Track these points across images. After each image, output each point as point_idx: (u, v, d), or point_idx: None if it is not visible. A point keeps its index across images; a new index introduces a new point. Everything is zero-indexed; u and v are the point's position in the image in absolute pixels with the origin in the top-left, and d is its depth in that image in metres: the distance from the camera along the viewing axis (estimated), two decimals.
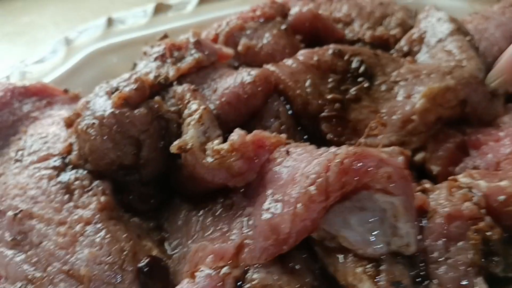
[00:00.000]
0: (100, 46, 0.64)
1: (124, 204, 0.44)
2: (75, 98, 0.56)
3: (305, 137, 0.49)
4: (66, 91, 0.57)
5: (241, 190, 0.41)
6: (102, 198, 0.42)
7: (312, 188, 0.33)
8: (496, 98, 0.49)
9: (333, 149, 0.35)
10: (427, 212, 0.36)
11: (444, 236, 0.34)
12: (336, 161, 0.33)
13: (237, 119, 0.48)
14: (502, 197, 0.35)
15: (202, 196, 0.42)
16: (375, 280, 0.32)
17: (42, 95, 0.55)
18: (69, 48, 0.64)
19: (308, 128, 0.49)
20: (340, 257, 0.34)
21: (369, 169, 0.32)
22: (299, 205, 0.33)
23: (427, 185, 0.39)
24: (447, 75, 0.46)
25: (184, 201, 0.44)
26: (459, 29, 0.53)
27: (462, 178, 0.38)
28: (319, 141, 0.49)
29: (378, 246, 0.33)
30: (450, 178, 0.39)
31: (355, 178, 0.32)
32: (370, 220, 0.33)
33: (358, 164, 0.32)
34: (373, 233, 0.33)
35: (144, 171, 0.44)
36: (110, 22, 0.68)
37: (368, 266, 0.32)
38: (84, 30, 0.67)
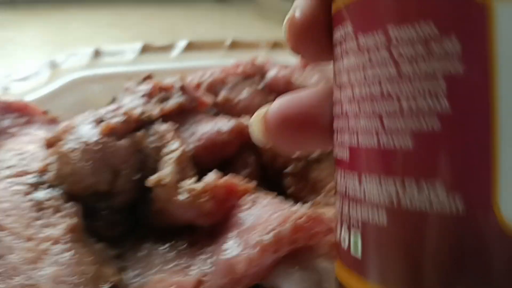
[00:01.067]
0: (84, 74, 0.67)
1: (91, 229, 0.46)
2: (54, 121, 0.58)
3: (269, 188, 0.54)
4: (45, 112, 0.59)
5: (207, 229, 0.44)
6: (72, 220, 0.44)
7: (267, 237, 0.37)
8: None
9: (294, 206, 0.40)
10: None
11: None
12: (293, 218, 0.37)
13: (211, 163, 0.52)
14: None
15: (168, 230, 0.45)
16: None
17: (22, 113, 0.57)
18: (54, 72, 0.66)
19: (273, 180, 0.54)
20: None
21: (317, 233, 0.37)
22: (255, 250, 0.37)
23: None
24: None
25: (149, 233, 0.46)
26: None
27: None
28: (282, 193, 0.53)
29: None
30: None
31: (304, 238, 0.37)
32: (309, 280, 0.37)
33: (310, 226, 0.37)
34: None
35: (116, 200, 0.46)
36: (97, 53, 0.72)
37: None
38: (71, 56, 0.70)
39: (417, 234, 0.17)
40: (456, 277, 0.16)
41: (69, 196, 0.46)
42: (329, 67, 0.83)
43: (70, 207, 0.45)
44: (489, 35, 0.16)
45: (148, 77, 0.68)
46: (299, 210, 0.39)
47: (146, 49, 0.75)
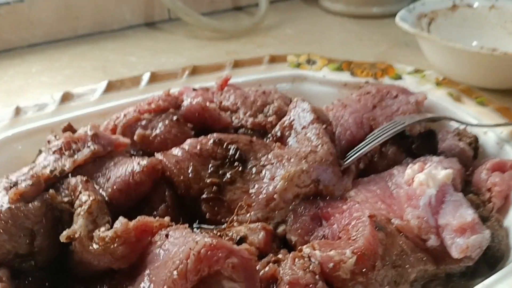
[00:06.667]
0: (6, 135, 0.69)
1: None
2: None
3: (189, 216, 0.57)
4: None
5: (127, 271, 0.47)
6: (0, 285, 0.46)
7: (175, 272, 0.40)
8: (346, 175, 0.60)
9: (198, 237, 0.43)
10: (277, 280, 0.45)
11: None
12: (195, 250, 0.41)
13: (128, 203, 0.55)
14: (331, 265, 0.44)
15: (92, 277, 0.48)
16: None
17: None
18: None
19: (192, 208, 0.57)
20: None
21: (219, 259, 0.40)
22: (165, 287, 0.40)
23: (281, 255, 0.48)
24: (303, 159, 0.57)
25: (76, 283, 0.49)
26: (318, 118, 0.65)
27: (305, 249, 0.47)
28: (201, 219, 0.57)
29: None
30: (298, 248, 0.48)
31: (208, 266, 0.40)
32: None
33: (211, 254, 0.40)
34: None
35: (39, 258, 0.49)
36: (17, 111, 0.74)
37: None
38: None
39: None
40: None
41: None
42: (245, 88, 0.86)
43: None
44: None
45: (67, 127, 0.70)
46: (200, 241, 0.42)
47: (66, 98, 0.77)
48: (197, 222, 0.57)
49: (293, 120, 0.67)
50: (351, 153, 0.62)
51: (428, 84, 0.79)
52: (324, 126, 0.64)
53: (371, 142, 0.61)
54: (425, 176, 0.52)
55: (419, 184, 0.52)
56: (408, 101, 0.70)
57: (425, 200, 0.50)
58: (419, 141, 0.63)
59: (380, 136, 0.61)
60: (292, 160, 0.57)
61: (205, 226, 0.56)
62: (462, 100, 0.76)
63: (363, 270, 0.44)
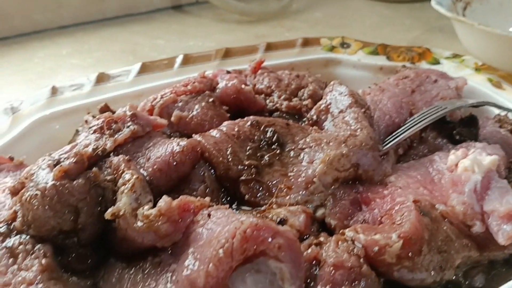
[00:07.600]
0: (43, 114, 0.70)
1: (64, 265, 0.49)
2: (20, 166, 0.61)
3: (228, 198, 0.57)
4: (11, 158, 0.62)
5: (169, 249, 0.47)
6: (44, 261, 0.47)
7: (221, 251, 0.40)
8: (385, 160, 0.59)
9: (242, 217, 0.43)
10: (319, 262, 0.45)
11: (330, 282, 0.42)
12: (240, 230, 0.41)
13: (168, 183, 0.55)
14: (376, 248, 0.44)
15: (134, 255, 0.48)
16: None
17: None
18: (14, 117, 0.69)
19: (230, 190, 0.57)
20: None
21: (265, 239, 0.40)
22: (210, 264, 0.40)
23: (322, 238, 0.48)
24: (342, 143, 0.56)
25: (118, 260, 0.50)
26: (357, 102, 0.64)
27: (348, 232, 0.47)
28: (240, 200, 0.57)
29: None
30: (340, 232, 0.48)
31: (253, 246, 0.40)
32: (262, 281, 0.41)
33: (257, 234, 0.40)
34: None
35: (82, 235, 0.49)
36: (54, 90, 0.74)
37: None
38: (29, 99, 0.73)
39: None
40: None
41: (38, 239, 0.49)
42: (277, 71, 0.85)
43: (39, 249, 0.48)
44: None
45: (104, 107, 0.71)
46: (245, 221, 0.42)
47: (101, 79, 0.77)
48: (235, 203, 0.57)
49: (330, 104, 0.66)
50: (390, 137, 0.62)
51: (467, 69, 0.77)
52: (362, 110, 0.63)
53: (412, 127, 0.60)
54: (470, 162, 0.51)
55: (463, 170, 0.51)
56: (448, 86, 0.68)
57: (470, 186, 0.49)
58: (460, 127, 0.62)
59: (421, 121, 0.60)
60: (331, 143, 0.57)
61: (244, 207, 0.56)
62: (502, 86, 0.74)
63: (410, 255, 0.43)
